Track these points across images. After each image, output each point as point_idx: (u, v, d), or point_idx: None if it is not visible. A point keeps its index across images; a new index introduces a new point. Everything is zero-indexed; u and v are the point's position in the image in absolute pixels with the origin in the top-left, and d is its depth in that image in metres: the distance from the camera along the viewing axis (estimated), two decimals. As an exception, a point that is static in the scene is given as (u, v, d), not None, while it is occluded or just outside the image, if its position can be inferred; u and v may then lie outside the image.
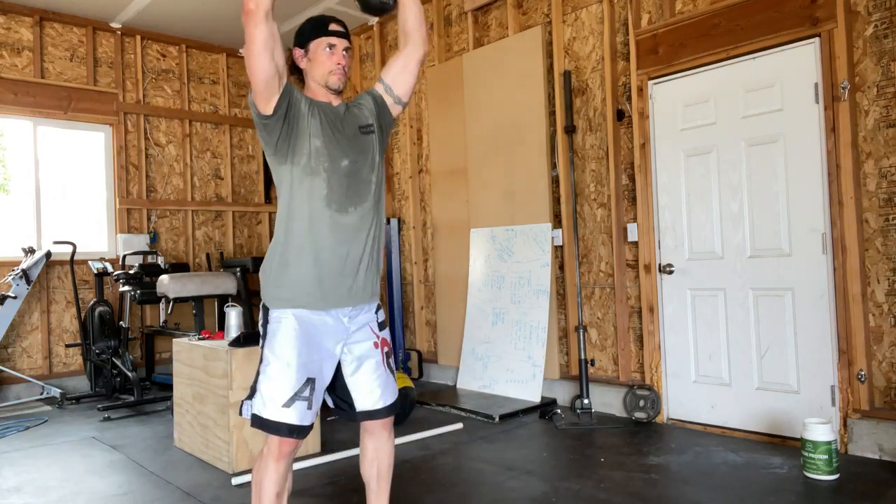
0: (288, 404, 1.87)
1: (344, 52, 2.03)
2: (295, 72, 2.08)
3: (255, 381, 1.93)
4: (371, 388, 2.05)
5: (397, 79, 2.16)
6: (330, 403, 2.13)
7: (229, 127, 6.55)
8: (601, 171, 4.27)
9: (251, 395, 1.93)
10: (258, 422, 1.88)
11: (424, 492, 2.85)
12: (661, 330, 3.93)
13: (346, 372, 2.04)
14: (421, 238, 5.63)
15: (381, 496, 2.15)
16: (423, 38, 2.17)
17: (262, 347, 1.94)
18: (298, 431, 1.88)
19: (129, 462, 3.45)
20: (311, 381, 1.91)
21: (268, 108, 1.90)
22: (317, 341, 1.95)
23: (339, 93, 2.07)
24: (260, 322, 2.01)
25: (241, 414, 1.98)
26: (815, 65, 3.29)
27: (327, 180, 1.96)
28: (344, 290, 1.98)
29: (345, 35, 2.06)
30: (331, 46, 2.01)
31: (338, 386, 2.06)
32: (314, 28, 2.04)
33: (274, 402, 1.87)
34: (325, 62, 2.01)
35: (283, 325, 1.92)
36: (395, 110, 2.19)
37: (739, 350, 3.60)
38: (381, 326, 2.13)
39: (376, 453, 2.13)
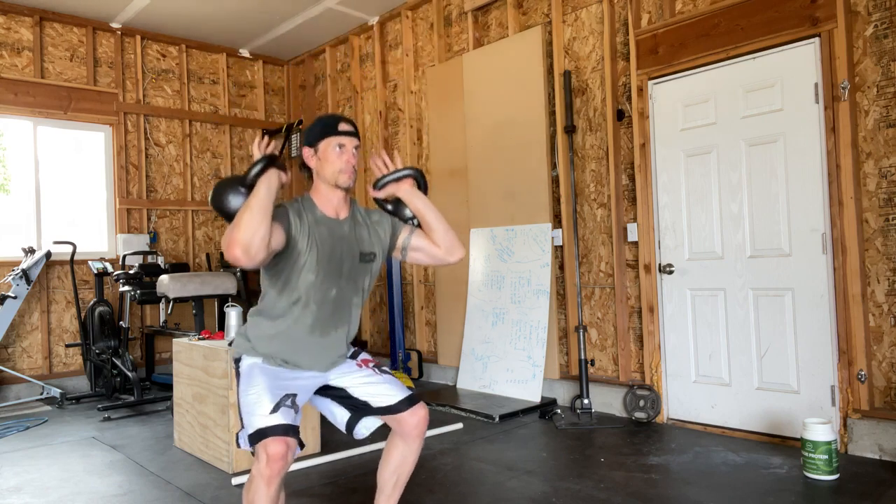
0: (274, 410, 1.91)
1: (354, 150, 2.07)
2: (304, 169, 2.13)
3: (241, 414, 1.96)
4: (377, 390, 2.10)
5: (419, 248, 2.21)
6: (339, 422, 2.16)
7: (229, 127, 6.55)
8: (601, 171, 4.27)
9: (242, 426, 1.96)
10: (256, 435, 1.89)
11: (425, 492, 2.85)
12: (661, 330, 3.93)
13: (346, 392, 2.12)
14: (421, 238, 5.61)
15: (392, 500, 2.18)
16: (452, 248, 2.18)
17: (238, 392, 1.99)
18: (293, 430, 1.90)
19: (129, 462, 3.45)
20: (290, 396, 1.96)
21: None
22: (288, 377, 2.04)
23: (347, 190, 2.11)
24: (233, 373, 2.10)
25: (238, 446, 2.01)
26: (815, 65, 3.29)
27: (315, 312, 2.04)
28: (319, 366, 2.10)
29: (354, 134, 2.09)
30: (340, 146, 2.05)
31: (351, 397, 2.12)
32: (324, 128, 2.07)
33: (261, 414, 1.91)
34: (334, 161, 2.04)
35: (254, 370, 2.01)
36: (395, 254, 2.24)
37: (739, 350, 3.60)
38: (354, 355, 2.21)
39: (403, 461, 2.14)
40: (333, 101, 6.48)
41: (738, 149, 3.61)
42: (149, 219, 5.99)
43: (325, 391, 2.15)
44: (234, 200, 1.92)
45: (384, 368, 2.21)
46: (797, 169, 3.38)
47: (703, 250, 3.76)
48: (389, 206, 2.24)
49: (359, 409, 2.12)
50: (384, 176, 2.16)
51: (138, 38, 5.98)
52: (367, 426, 2.14)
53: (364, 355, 2.22)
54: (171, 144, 6.19)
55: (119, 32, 5.87)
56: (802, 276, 3.36)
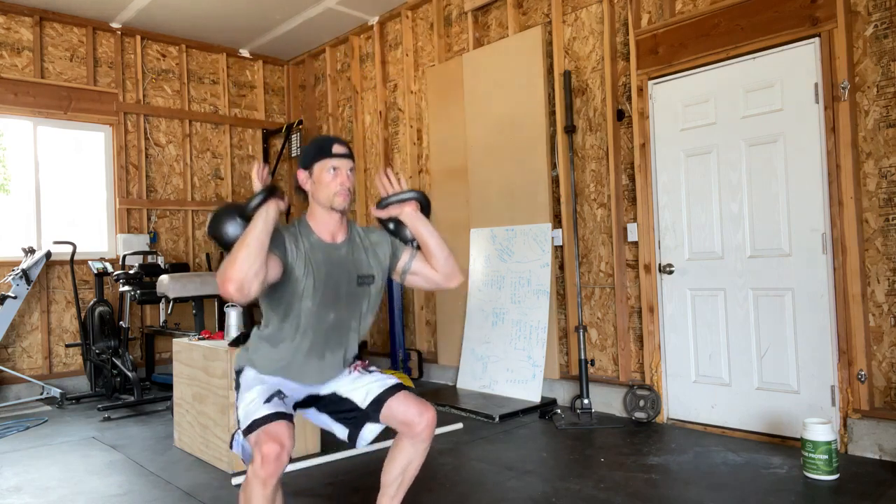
0: (268, 401, 1.95)
1: (348, 173, 2.07)
2: (299, 192, 2.13)
3: (238, 416, 2.00)
4: (360, 389, 2.15)
5: (418, 272, 2.21)
6: (341, 432, 2.18)
7: (229, 127, 6.55)
8: (601, 171, 4.27)
9: (238, 427, 1.99)
10: (251, 426, 1.90)
11: (425, 492, 2.85)
12: (661, 330, 3.93)
13: (336, 390, 2.17)
14: (421, 238, 5.61)
15: (395, 501, 2.19)
16: (450, 274, 2.18)
17: (237, 398, 2.05)
18: (286, 416, 1.93)
19: (129, 462, 3.45)
20: (280, 392, 2.03)
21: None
22: (284, 383, 2.10)
23: (343, 212, 2.10)
24: (234, 385, 2.15)
25: (231, 447, 2.04)
26: (815, 65, 3.29)
27: (312, 337, 2.07)
28: (314, 382, 2.16)
29: (349, 156, 2.09)
30: (334, 169, 2.05)
31: (341, 403, 2.16)
32: (318, 151, 2.07)
33: (255, 407, 1.94)
34: (329, 184, 2.04)
35: (254, 377, 2.08)
36: (394, 275, 2.25)
37: (739, 350, 3.60)
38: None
39: (409, 464, 2.14)
40: (333, 101, 6.48)
41: (738, 149, 3.61)
42: (149, 219, 5.99)
43: (320, 404, 2.19)
44: (231, 230, 1.93)
45: (371, 368, 2.24)
46: (797, 169, 3.38)
47: (703, 250, 3.76)
48: (391, 226, 2.23)
49: (353, 419, 2.14)
50: (388, 196, 2.13)
51: (138, 38, 5.98)
52: (367, 434, 2.15)
53: (355, 362, 2.25)
54: (171, 144, 6.19)
55: (119, 32, 5.87)
56: (802, 276, 3.36)
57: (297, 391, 2.12)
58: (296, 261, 2.01)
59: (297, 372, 2.10)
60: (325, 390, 2.18)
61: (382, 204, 2.14)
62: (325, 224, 2.09)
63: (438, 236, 2.15)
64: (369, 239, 2.20)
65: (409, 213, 2.13)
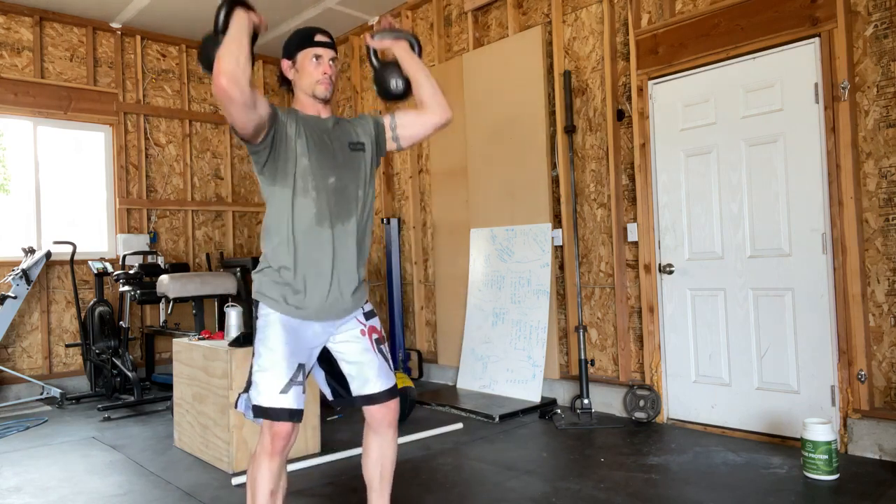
0: (285, 390, 1.92)
1: (330, 62, 2.10)
2: (284, 83, 2.15)
3: (251, 374, 1.97)
4: (361, 371, 2.09)
5: (407, 124, 2.22)
6: (328, 394, 2.17)
7: (229, 127, 6.53)
8: (601, 171, 4.27)
9: (247, 388, 1.97)
10: (260, 411, 1.91)
11: (424, 492, 2.85)
12: (661, 330, 3.93)
13: (338, 359, 2.11)
14: (421, 238, 5.62)
15: (383, 495, 2.19)
16: (439, 106, 2.18)
17: (255, 341, 2.01)
18: (297, 415, 1.92)
19: (129, 462, 3.45)
20: (302, 367, 1.98)
21: (256, 139, 1.97)
22: (303, 333, 2.02)
23: (326, 102, 2.13)
24: (254, 315, 2.08)
25: (236, 407, 2.02)
26: (815, 65, 3.29)
27: (316, 199, 2.02)
28: (329, 307, 2.04)
29: (330, 45, 2.12)
30: (317, 57, 2.07)
31: (335, 373, 2.13)
32: (301, 39, 2.10)
33: (272, 389, 1.91)
34: (312, 72, 2.07)
35: (272, 320, 1.99)
36: (390, 145, 2.24)
37: (739, 350, 3.60)
38: (368, 316, 2.16)
39: (381, 452, 2.15)
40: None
41: (738, 149, 3.61)
42: (149, 219, 5.99)
43: (323, 358, 2.14)
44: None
45: (383, 347, 2.17)
46: (797, 169, 3.38)
47: (703, 250, 3.76)
48: (376, 64, 2.26)
49: (341, 397, 2.14)
50: (385, 29, 2.20)
51: (138, 38, 5.98)
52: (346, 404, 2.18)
53: (373, 321, 2.17)
54: (171, 144, 6.19)
55: (119, 32, 5.87)
56: (802, 276, 3.36)
57: (315, 348, 2.05)
58: (287, 121, 2.02)
59: (308, 269, 1.99)
60: (334, 346, 2.10)
61: (378, 32, 2.21)
62: (311, 107, 2.13)
63: (428, 71, 2.19)
64: (352, 119, 2.23)
65: (402, 47, 2.19)
